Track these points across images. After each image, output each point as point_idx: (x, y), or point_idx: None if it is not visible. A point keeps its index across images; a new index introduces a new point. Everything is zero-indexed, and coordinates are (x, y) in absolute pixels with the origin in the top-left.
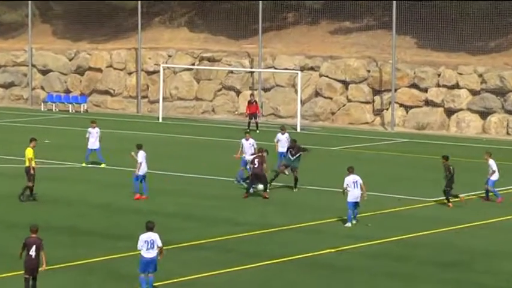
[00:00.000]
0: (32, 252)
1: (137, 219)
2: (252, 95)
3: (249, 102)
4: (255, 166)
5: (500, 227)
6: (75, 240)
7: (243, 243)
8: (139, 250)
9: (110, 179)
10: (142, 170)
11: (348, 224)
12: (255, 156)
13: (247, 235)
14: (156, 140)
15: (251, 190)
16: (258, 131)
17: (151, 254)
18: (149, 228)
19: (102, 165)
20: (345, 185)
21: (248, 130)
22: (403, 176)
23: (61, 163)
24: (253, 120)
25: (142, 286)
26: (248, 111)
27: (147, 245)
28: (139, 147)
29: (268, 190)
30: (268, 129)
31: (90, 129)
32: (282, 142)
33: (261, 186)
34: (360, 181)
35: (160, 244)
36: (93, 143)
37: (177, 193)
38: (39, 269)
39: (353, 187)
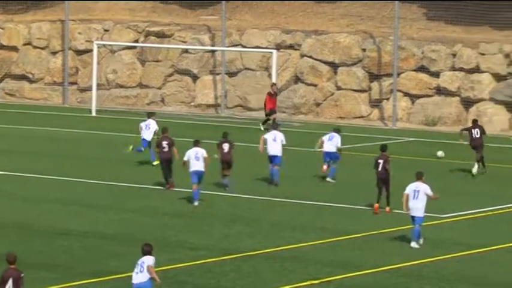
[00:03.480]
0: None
1: (64, 244)
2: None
3: (269, 95)
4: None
5: None
6: None
7: (200, 273)
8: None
9: (25, 192)
10: None
11: (413, 244)
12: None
13: (205, 262)
14: (87, 140)
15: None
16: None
17: (139, 278)
18: (145, 252)
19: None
20: (406, 191)
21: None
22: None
23: None
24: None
25: None
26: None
27: (137, 267)
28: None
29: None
30: (235, 125)
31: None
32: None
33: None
34: (428, 191)
35: (149, 263)
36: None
37: (114, 208)
38: None
39: (412, 197)
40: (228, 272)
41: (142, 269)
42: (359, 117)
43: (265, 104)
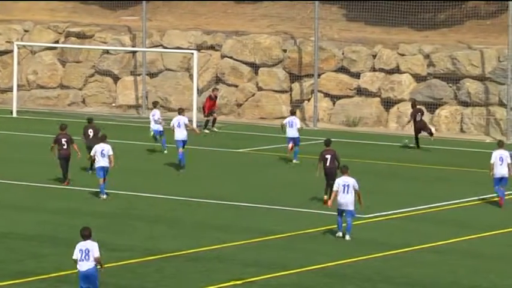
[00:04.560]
0: None
1: None
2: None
3: (210, 98)
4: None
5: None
6: None
7: (122, 274)
8: (75, 260)
9: None
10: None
11: (348, 237)
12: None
13: (127, 263)
14: (7, 141)
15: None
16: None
17: (85, 265)
18: (83, 236)
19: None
20: (335, 188)
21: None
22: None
23: None
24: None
25: None
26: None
27: (82, 254)
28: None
29: None
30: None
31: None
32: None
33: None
34: (355, 185)
35: (96, 254)
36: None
37: (34, 209)
38: None
39: (343, 191)
40: (151, 273)
41: (88, 257)
42: (280, 118)
43: (203, 108)
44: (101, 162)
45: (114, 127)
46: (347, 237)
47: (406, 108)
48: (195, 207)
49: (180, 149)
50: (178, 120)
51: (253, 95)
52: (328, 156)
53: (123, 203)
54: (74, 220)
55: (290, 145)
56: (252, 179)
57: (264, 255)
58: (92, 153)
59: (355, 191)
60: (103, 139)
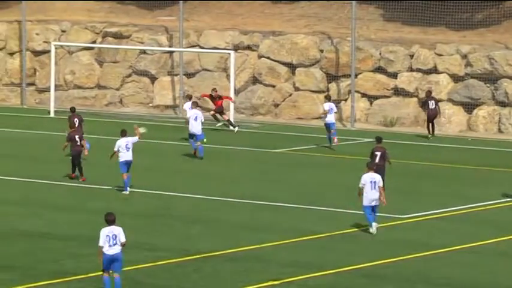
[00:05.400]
0: None
1: (24, 246)
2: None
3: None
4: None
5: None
6: None
7: (159, 274)
8: (102, 247)
9: None
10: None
11: (372, 229)
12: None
13: (165, 263)
14: (46, 141)
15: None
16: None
17: (114, 250)
18: (109, 221)
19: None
20: (360, 184)
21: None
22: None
23: None
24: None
25: (106, 286)
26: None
27: (109, 240)
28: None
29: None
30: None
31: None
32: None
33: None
34: (381, 182)
35: (123, 239)
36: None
37: (74, 209)
38: None
39: (370, 188)
40: (189, 273)
41: (116, 241)
42: (317, 118)
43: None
44: (125, 156)
45: (152, 127)
46: (373, 229)
47: (444, 109)
48: (232, 207)
49: (199, 143)
50: (195, 114)
51: (290, 95)
52: (378, 153)
53: (160, 203)
54: None
55: (335, 139)
56: (289, 179)
57: (302, 256)
58: (115, 149)
59: (379, 187)
60: (124, 134)
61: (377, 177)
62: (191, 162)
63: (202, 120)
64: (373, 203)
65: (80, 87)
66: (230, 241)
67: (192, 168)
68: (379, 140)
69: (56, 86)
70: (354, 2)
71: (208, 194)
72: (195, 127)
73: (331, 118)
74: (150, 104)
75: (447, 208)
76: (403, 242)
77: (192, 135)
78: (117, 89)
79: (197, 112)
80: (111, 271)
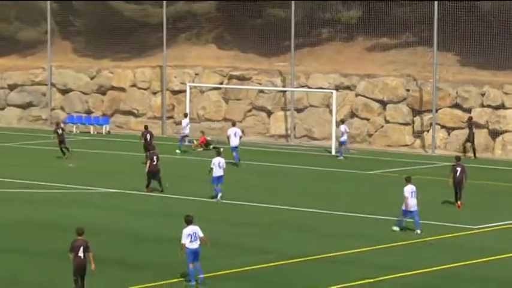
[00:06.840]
0: (80, 253)
1: (162, 248)
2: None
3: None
4: (153, 163)
5: None
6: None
7: (273, 273)
8: (183, 243)
9: (133, 205)
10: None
11: (396, 228)
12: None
13: (277, 264)
14: (180, 164)
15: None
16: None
17: (195, 244)
18: (189, 222)
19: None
20: (406, 194)
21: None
22: (444, 202)
23: (87, 188)
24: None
25: (191, 276)
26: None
27: (191, 237)
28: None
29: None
30: (302, 152)
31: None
32: None
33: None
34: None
35: (201, 234)
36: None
37: (202, 219)
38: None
39: (411, 196)
40: (298, 274)
41: (196, 237)
42: (404, 146)
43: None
44: (218, 172)
45: (267, 153)
46: (418, 231)
47: (510, 138)
48: (334, 219)
49: (234, 153)
50: (234, 131)
51: (382, 126)
52: (458, 169)
53: (273, 215)
54: (231, 229)
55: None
56: (381, 195)
57: (391, 259)
58: (211, 166)
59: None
60: (219, 153)
61: (414, 188)
62: (300, 181)
63: (241, 136)
64: (413, 209)
65: (209, 120)
66: (331, 246)
67: (300, 186)
68: (458, 158)
69: (190, 119)
70: (435, 50)
71: (314, 207)
72: (234, 141)
73: (344, 138)
74: (267, 134)
75: None
76: (478, 249)
77: (233, 148)
78: (240, 122)
79: (235, 129)
80: (193, 263)
